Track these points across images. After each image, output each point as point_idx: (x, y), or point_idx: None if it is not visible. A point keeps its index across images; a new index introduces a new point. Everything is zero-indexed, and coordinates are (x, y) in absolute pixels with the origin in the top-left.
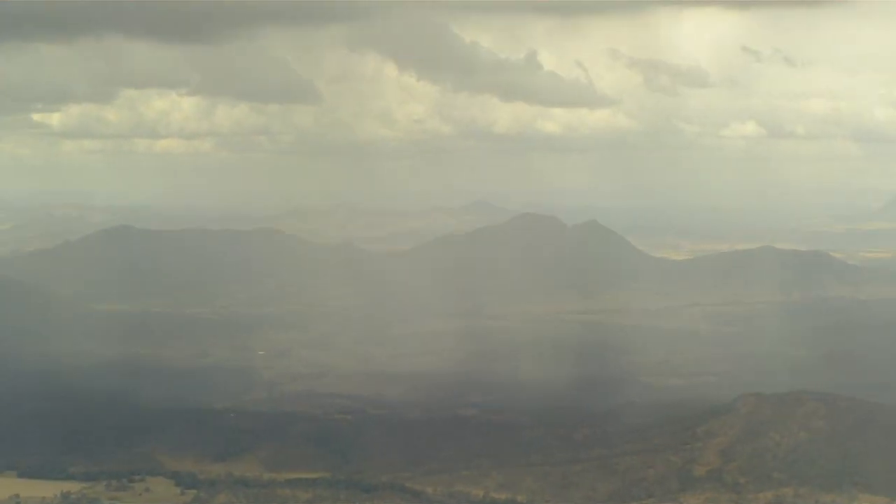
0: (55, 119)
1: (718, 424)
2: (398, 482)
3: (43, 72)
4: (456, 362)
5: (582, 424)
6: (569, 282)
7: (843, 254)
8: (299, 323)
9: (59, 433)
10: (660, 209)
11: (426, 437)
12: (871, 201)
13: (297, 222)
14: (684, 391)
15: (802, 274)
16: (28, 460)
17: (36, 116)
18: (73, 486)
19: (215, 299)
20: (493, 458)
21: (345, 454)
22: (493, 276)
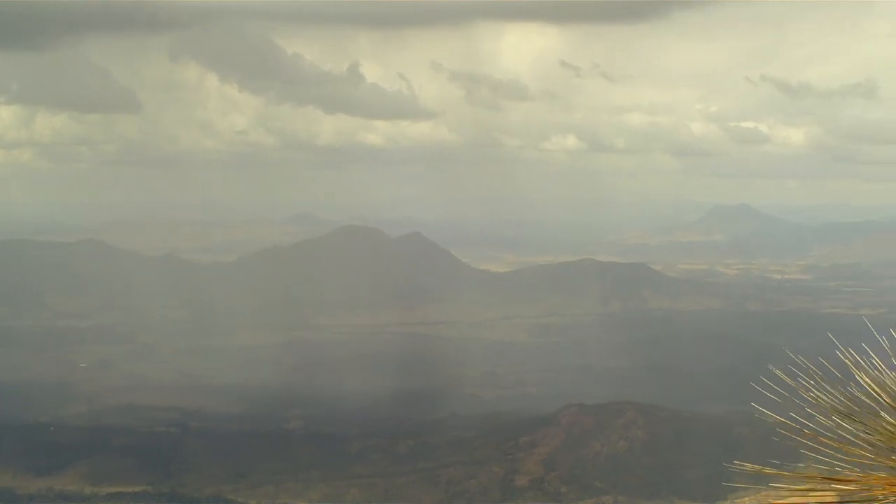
0: None
1: (540, 435)
2: (222, 495)
3: None
4: (280, 374)
5: (405, 436)
6: (392, 294)
7: (662, 265)
8: (122, 335)
9: None
10: (482, 221)
11: (250, 449)
12: (688, 214)
13: (120, 233)
14: (506, 402)
15: (622, 285)
16: None
17: None
18: None
19: (37, 311)
20: (318, 470)
21: (167, 467)
22: (316, 288)
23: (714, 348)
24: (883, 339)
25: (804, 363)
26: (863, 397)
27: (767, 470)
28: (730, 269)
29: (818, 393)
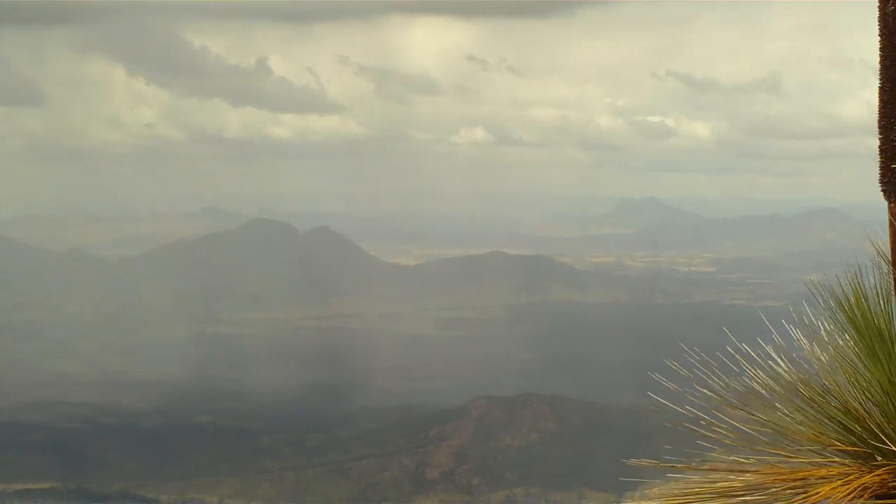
0: None
1: (451, 427)
2: (131, 490)
3: None
4: (190, 369)
5: (316, 430)
6: (301, 287)
7: (570, 258)
8: (33, 331)
9: None
10: (391, 215)
11: (161, 444)
12: (596, 207)
13: (27, 229)
14: (416, 395)
15: (531, 278)
16: None
17: None
18: None
19: None
20: (229, 465)
21: (77, 464)
22: (225, 282)
23: (622, 340)
24: (793, 330)
25: (699, 355)
26: (760, 389)
27: (661, 464)
28: (637, 262)
29: (719, 384)
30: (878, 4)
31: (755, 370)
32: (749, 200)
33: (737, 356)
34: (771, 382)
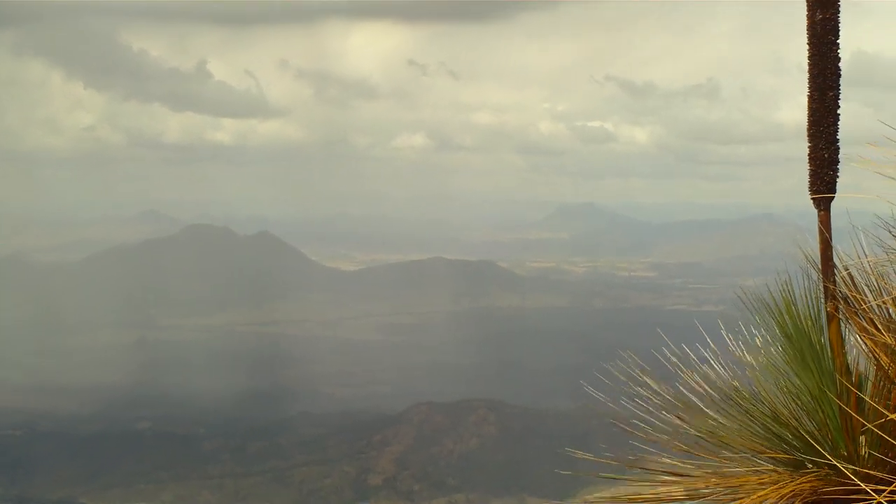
0: None
1: (392, 433)
2: (71, 498)
3: None
4: (129, 374)
5: (257, 436)
6: (242, 292)
7: (510, 263)
8: None
9: None
10: (332, 219)
11: (100, 451)
12: (536, 212)
13: None
14: (358, 401)
15: (471, 283)
16: None
17: None
18: None
19: None
20: (169, 472)
21: (14, 471)
22: (165, 287)
23: (561, 345)
24: (728, 337)
25: (638, 360)
26: (690, 396)
27: (600, 470)
28: (577, 267)
29: (656, 389)
30: (807, 13)
31: (691, 375)
32: (689, 205)
33: (673, 362)
34: (706, 388)
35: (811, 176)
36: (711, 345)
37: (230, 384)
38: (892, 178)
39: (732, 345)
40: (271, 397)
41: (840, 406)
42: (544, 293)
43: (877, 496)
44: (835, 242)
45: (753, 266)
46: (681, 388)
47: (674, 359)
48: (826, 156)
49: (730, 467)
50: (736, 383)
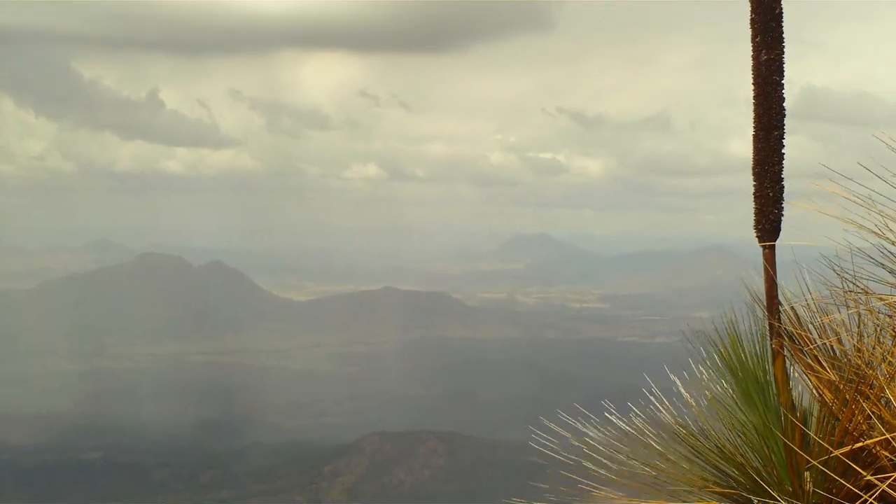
0: None
1: (343, 463)
2: None
3: None
4: (79, 404)
5: (208, 466)
6: (194, 322)
7: (462, 294)
8: None
9: None
10: (284, 250)
11: (50, 481)
12: (488, 243)
13: None
14: (309, 431)
15: (423, 314)
16: None
17: None
18: None
19: None
20: (120, 502)
21: None
22: (117, 316)
23: (513, 376)
24: (675, 373)
25: (589, 392)
26: (639, 430)
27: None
28: (529, 298)
29: (606, 423)
30: (752, 53)
31: (638, 411)
32: (641, 237)
33: (622, 395)
34: (653, 423)
35: (756, 214)
36: (659, 380)
37: (182, 414)
38: (836, 217)
39: (678, 380)
40: (223, 427)
41: (785, 442)
42: (496, 324)
43: None
44: (781, 278)
45: (705, 298)
46: (629, 421)
47: (623, 392)
48: (771, 195)
49: (676, 503)
50: (681, 419)
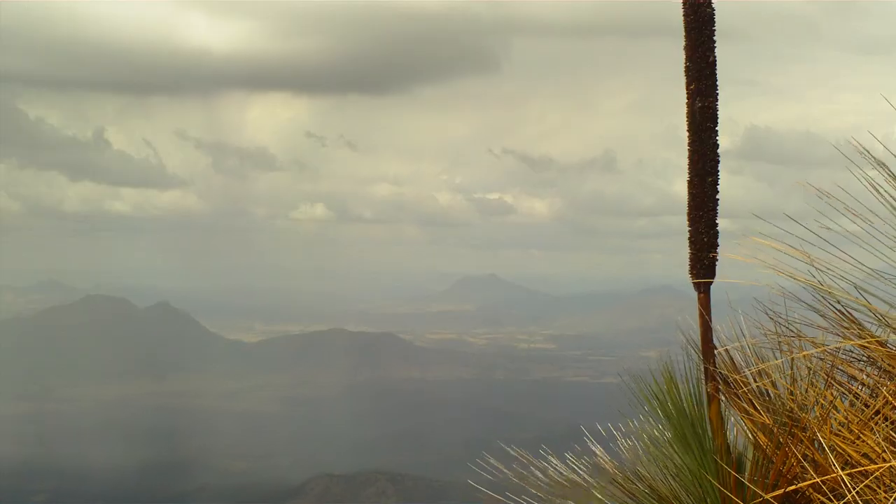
0: None
1: None
2: None
3: None
4: (24, 446)
5: None
6: (140, 364)
7: (411, 335)
8: None
9: None
10: (232, 291)
11: None
12: (437, 284)
13: None
14: (257, 473)
15: (372, 355)
16: None
17: None
18: None
19: None
20: None
21: None
22: (61, 358)
23: (462, 417)
24: (614, 416)
25: (538, 432)
26: (577, 478)
27: None
28: (478, 339)
29: (548, 466)
30: (686, 101)
31: (580, 453)
32: (590, 277)
33: (565, 437)
34: (591, 467)
35: (691, 260)
36: (606, 420)
37: (128, 456)
38: (767, 264)
39: (618, 423)
40: (170, 470)
41: (719, 486)
42: (445, 365)
43: None
44: (715, 321)
45: (653, 338)
46: (567, 464)
47: (571, 433)
48: (706, 240)
49: None
50: (616, 462)
